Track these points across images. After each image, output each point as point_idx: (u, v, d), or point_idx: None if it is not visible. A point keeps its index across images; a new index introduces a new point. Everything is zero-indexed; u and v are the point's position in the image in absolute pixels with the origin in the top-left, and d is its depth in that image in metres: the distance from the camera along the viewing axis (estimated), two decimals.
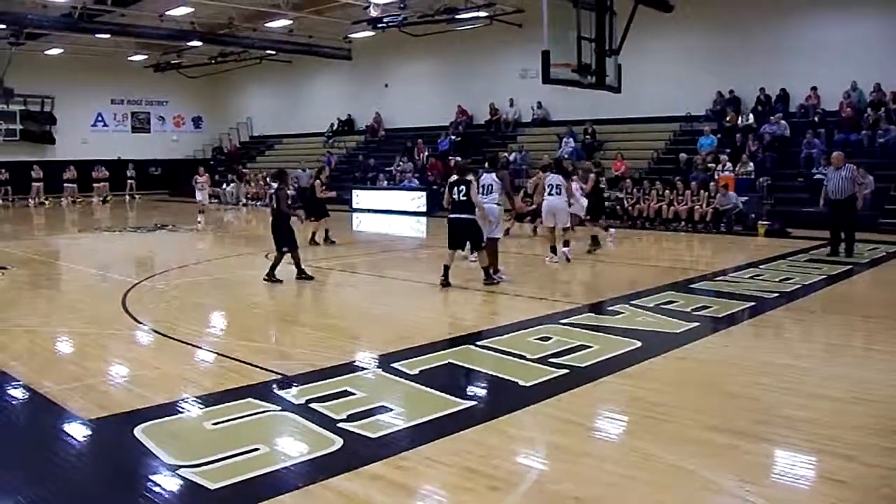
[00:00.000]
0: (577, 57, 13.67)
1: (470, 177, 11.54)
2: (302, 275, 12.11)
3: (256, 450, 4.90)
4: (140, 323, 9.10)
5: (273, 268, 12.03)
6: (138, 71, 39.10)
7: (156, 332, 8.68)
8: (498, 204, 12.02)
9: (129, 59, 37.37)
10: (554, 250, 14.06)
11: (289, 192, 13.14)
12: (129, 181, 36.71)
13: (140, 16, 28.30)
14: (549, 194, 13.95)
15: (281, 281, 11.92)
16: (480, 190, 11.68)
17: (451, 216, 11.48)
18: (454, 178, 11.68)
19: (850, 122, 21.70)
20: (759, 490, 4.41)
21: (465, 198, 11.18)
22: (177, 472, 4.60)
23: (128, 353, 7.85)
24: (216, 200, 34.13)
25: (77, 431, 5.41)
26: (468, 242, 12.07)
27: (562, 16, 13.57)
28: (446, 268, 11.37)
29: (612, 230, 17.24)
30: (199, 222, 23.70)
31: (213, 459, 4.74)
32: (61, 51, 35.00)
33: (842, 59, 22.15)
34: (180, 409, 5.80)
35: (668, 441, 5.12)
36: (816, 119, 22.49)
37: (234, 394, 6.10)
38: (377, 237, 20.67)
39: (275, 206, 12.15)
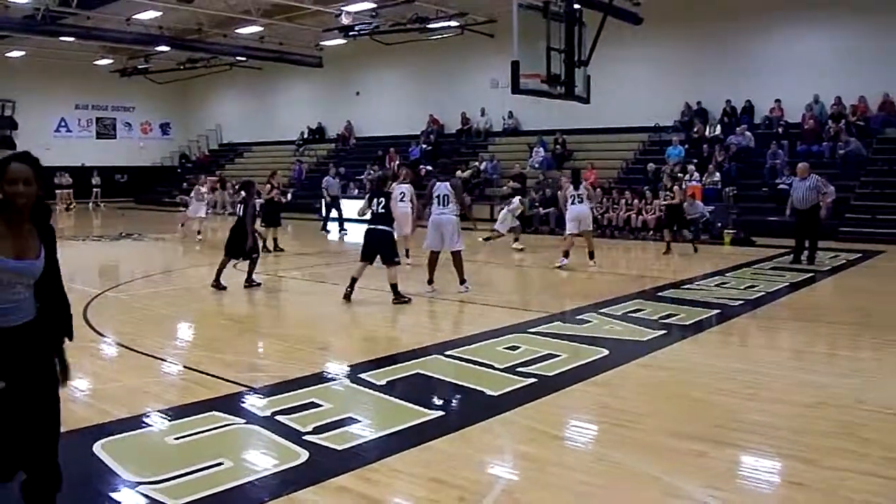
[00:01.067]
0: (547, 67, 13.77)
1: (405, 186, 11.69)
2: (217, 283, 12.12)
3: (220, 464, 4.82)
4: (102, 335, 8.94)
5: (249, 274, 12.25)
6: (104, 76, 38.72)
7: (118, 344, 8.55)
8: (455, 215, 11.63)
9: (95, 63, 37.02)
10: (567, 255, 14.43)
11: (258, 201, 13.22)
12: (93, 189, 36.15)
13: (106, 19, 27.99)
14: (573, 204, 14.46)
15: (259, 284, 12.02)
16: (436, 201, 11.55)
17: (369, 227, 11.10)
18: (375, 188, 11.70)
19: (812, 133, 22.08)
20: (724, 495, 4.44)
21: (383, 210, 10.93)
22: (137, 489, 4.51)
23: (88, 366, 7.67)
24: (184, 209, 33.79)
25: None
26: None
27: (532, 27, 13.66)
28: (353, 280, 11.06)
29: None
30: (200, 238, 20.90)
31: (176, 475, 4.64)
32: (24, 53, 34.57)
33: (805, 73, 22.69)
34: (142, 424, 5.70)
35: (636, 449, 5.13)
36: (780, 131, 22.86)
37: (198, 407, 6.01)
38: (347, 246, 20.57)
39: (240, 214, 12.16)
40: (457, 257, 11.66)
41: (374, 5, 25.74)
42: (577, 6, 14.46)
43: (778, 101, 23.42)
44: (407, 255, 14.20)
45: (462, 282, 11.71)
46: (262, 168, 35.03)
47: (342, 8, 25.52)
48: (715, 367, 7.30)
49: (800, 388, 6.55)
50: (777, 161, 21.44)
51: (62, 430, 4.55)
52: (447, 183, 11.72)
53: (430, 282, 11.74)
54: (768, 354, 8.22)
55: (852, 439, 5.28)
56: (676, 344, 8.28)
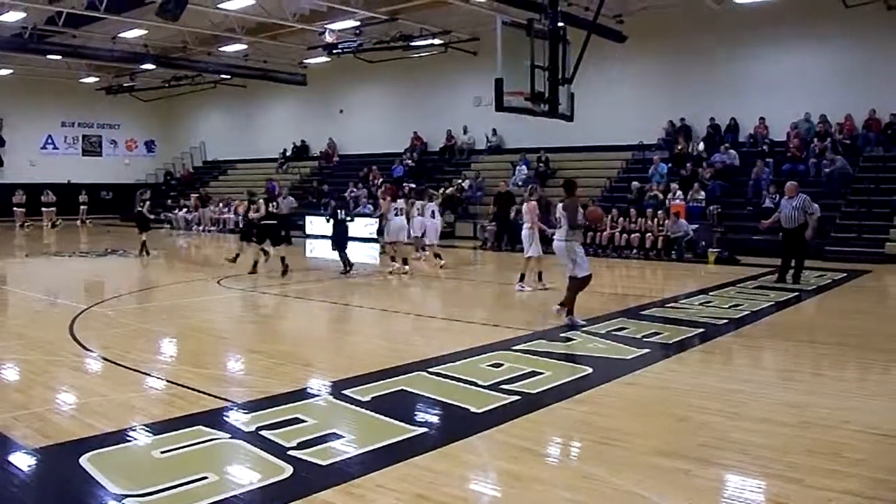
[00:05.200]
0: (531, 85, 13.79)
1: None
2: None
3: (205, 478, 4.82)
4: (88, 350, 8.93)
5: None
6: (90, 93, 38.71)
7: (104, 358, 8.52)
8: (565, 239, 10.58)
9: (81, 81, 37.01)
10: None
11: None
12: (81, 206, 35.88)
13: (92, 37, 28.07)
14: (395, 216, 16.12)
15: None
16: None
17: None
18: None
19: (797, 151, 22.15)
20: None
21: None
22: (123, 502, 4.50)
23: (75, 381, 7.70)
24: (168, 226, 33.70)
25: (21, 461, 5.27)
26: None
27: (516, 44, 13.70)
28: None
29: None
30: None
31: (161, 489, 4.65)
32: (11, 71, 34.59)
33: (790, 91, 22.71)
34: (128, 438, 5.69)
35: (620, 467, 5.15)
36: (765, 149, 22.94)
37: (183, 421, 6.01)
38: (330, 263, 20.51)
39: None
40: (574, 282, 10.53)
41: (358, 23, 25.84)
42: (561, 24, 14.54)
43: (762, 118, 23.55)
44: (540, 279, 14.14)
45: (568, 311, 10.48)
46: (246, 185, 35.06)
47: (326, 26, 25.61)
48: (699, 386, 7.31)
49: (785, 408, 6.56)
50: (762, 179, 21.52)
51: (48, 443, 4.53)
52: (560, 205, 10.66)
53: (565, 308, 10.60)
54: (753, 374, 8.23)
55: (838, 459, 5.29)
56: (660, 363, 8.30)
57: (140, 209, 21.33)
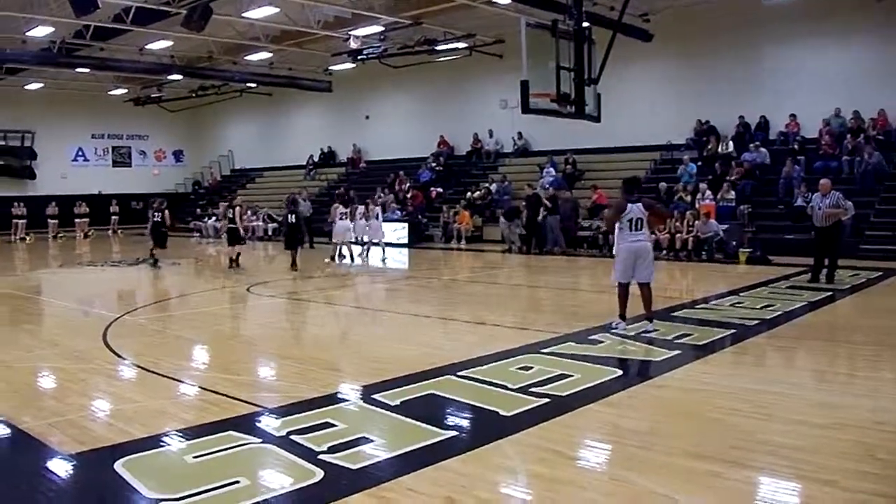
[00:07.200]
0: (557, 86, 13.74)
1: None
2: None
3: (237, 483, 4.87)
4: (121, 357, 9.03)
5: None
6: (118, 105, 39.14)
7: (137, 366, 8.62)
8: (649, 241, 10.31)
9: (109, 93, 37.44)
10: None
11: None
12: (112, 216, 36.14)
13: (119, 50, 28.39)
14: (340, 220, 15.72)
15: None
16: (627, 225, 9.83)
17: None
18: None
19: (830, 148, 21.86)
20: None
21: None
22: None
23: (108, 388, 7.79)
24: (198, 234, 33.88)
25: (57, 466, 5.35)
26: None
27: (541, 46, 13.67)
28: None
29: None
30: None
31: (194, 493, 4.70)
32: (41, 85, 35.03)
33: (821, 87, 22.40)
34: (161, 443, 5.75)
35: (650, 469, 5.13)
36: (796, 146, 22.66)
37: (215, 427, 6.06)
38: (358, 268, 20.61)
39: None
40: (648, 289, 10.12)
41: (382, 29, 25.88)
42: (586, 24, 14.48)
43: (793, 115, 23.25)
44: None
45: (651, 318, 10.11)
46: (274, 193, 35.34)
47: (350, 32, 25.66)
48: (730, 388, 7.26)
49: (817, 409, 6.50)
50: (793, 178, 21.25)
51: (83, 449, 4.55)
52: (640, 204, 9.94)
53: (623, 317, 10.17)
54: (785, 375, 8.15)
55: (871, 461, 5.24)
56: (690, 364, 8.24)
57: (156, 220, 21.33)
